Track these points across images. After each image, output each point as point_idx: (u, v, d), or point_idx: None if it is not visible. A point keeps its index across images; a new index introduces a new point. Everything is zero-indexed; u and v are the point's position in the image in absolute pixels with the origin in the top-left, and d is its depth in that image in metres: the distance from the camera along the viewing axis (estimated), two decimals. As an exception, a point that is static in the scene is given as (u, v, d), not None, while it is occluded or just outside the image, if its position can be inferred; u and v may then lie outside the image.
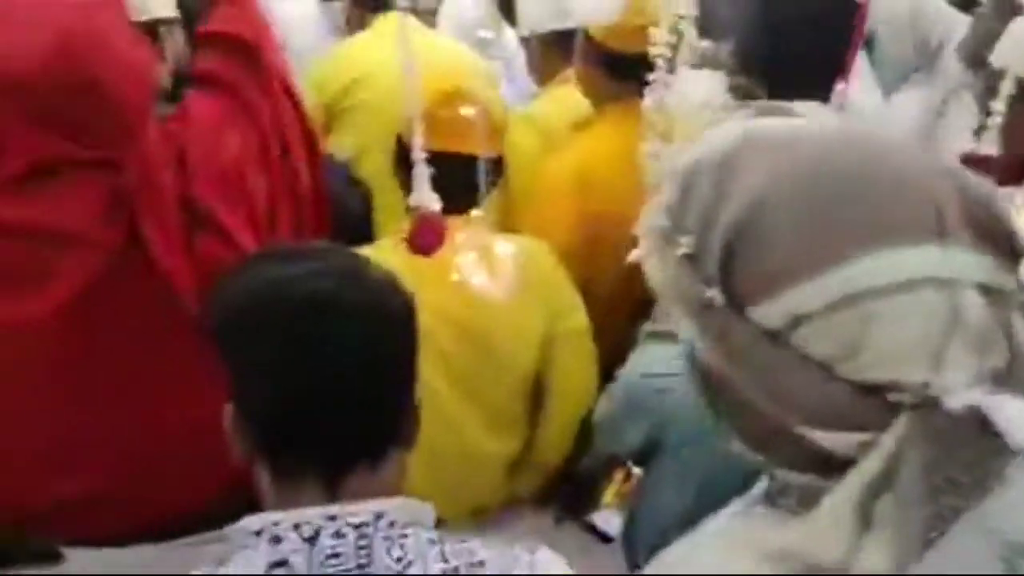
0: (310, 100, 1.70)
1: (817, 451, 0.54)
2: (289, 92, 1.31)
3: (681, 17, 1.55)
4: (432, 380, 1.32)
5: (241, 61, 1.25)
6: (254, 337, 0.78)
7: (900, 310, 0.51)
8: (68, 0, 1.10)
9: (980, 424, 0.50)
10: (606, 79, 1.70)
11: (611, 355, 1.44)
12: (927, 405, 0.51)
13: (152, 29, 1.48)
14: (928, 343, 0.51)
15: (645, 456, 1.29)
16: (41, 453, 1.17)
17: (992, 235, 0.53)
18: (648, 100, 1.54)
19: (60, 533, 1.24)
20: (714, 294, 0.55)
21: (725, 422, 0.60)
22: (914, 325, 0.51)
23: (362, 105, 2.00)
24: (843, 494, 0.51)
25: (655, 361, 1.24)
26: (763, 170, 0.54)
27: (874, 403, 0.52)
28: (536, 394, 1.48)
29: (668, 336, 1.32)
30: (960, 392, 0.50)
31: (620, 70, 1.67)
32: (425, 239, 1.36)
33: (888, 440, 0.51)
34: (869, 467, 0.51)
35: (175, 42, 1.99)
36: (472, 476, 1.42)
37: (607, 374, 1.43)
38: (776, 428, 0.55)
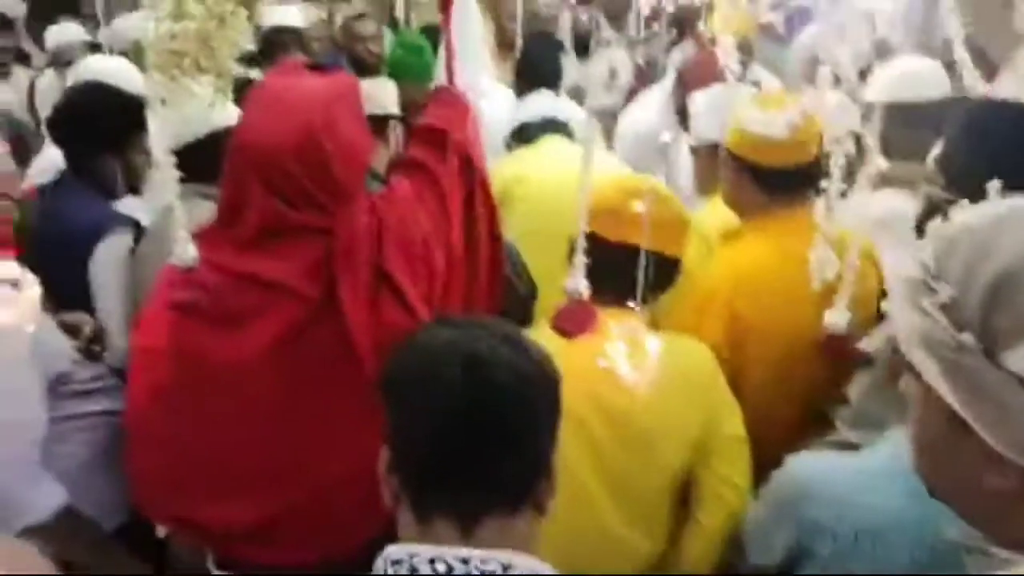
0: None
1: None
2: (484, 185, 1.47)
3: (857, 136, 1.56)
4: (577, 461, 1.34)
5: (445, 154, 1.43)
6: (416, 386, 0.86)
7: None
8: (315, 95, 1.30)
9: None
10: (755, 191, 1.73)
11: (760, 464, 1.41)
12: None
13: (381, 120, 2.02)
14: None
15: (791, 568, 1.22)
16: (223, 477, 1.30)
17: None
18: (819, 210, 1.56)
19: (228, 554, 1.37)
20: (968, 338, 0.60)
21: (948, 499, 0.64)
22: None
23: (522, 198, 2.17)
24: None
25: (817, 469, 1.20)
26: (1016, 242, 0.62)
27: None
28: (685, 497, 1.45)
29: (841, 445, 1.28)
30: None
31: (770, 182, 1.70)
32: (571, 323, 1.42)
33: None
34: None
35: (396, 134, 2.35)
36: (606, 564, 1.39)
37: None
38: (1015, 493, 0.58)
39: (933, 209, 1.60)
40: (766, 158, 1.70)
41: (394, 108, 2.34)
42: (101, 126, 2.00)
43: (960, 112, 1.60)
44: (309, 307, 1.28)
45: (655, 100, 2.83)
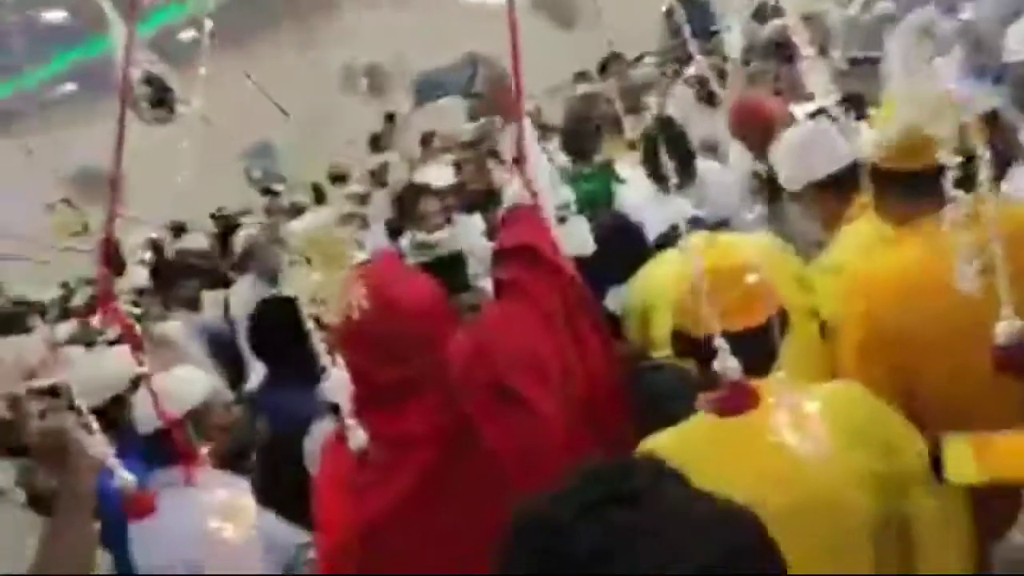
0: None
1: None
2: (574, 284, 1.53)
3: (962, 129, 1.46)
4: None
5: (527, 265, 1.54)
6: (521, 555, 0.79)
7: None
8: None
9: None
10: (901, 201, 1.65)
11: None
12: None
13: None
14: None
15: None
16: None
17: None
18: (952, 213, 1.45)
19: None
20: None
21: None
22: None
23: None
24: None
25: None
26: None
27: None
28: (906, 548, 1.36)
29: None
30: None
31: (913, 188, 1.61)
32: (735, 402, 1.39)
33: None
34: None
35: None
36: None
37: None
38: None
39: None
40: (906, 162, 1.62)
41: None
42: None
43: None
44: (445, 445, 1.37)
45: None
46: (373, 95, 6.47)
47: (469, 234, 3.68)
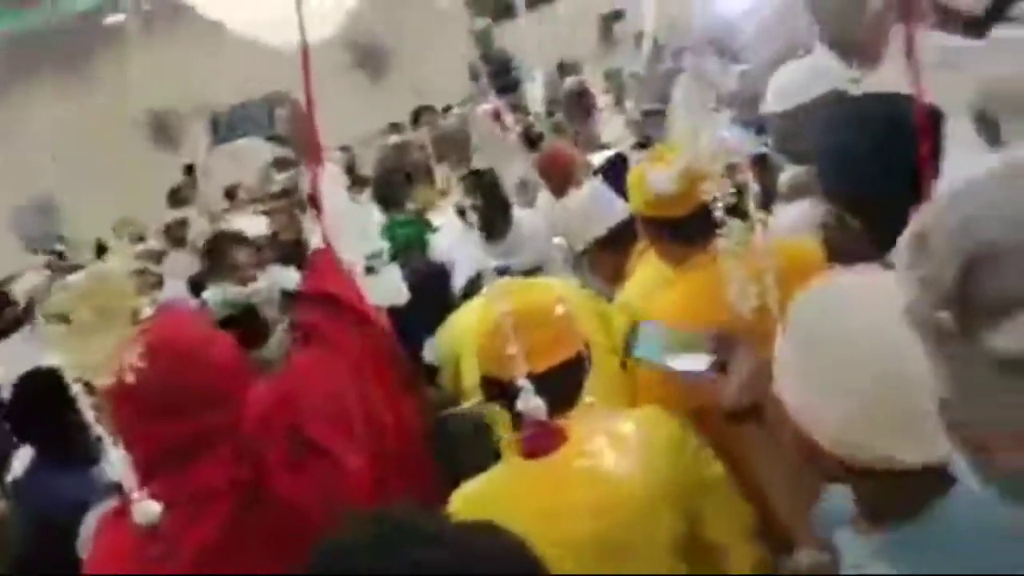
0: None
1: None
2: (382, 334, 1.51)
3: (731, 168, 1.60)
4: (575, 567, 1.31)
5: (330, 313, 1.51)
6: None
7: None
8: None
9: None
10: (674, 244, 1.76)
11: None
12: None
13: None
14: None
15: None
16: None
17: None
18: (722, 246, 1.57)
19: None
20: (946, 316, 0.56)
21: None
22: None
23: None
24: None
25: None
26: (1008, 202, 0.57)
27: None
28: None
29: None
30: None
31: (683, 231, 1.73)
32: (541, 442, 1.41)
33: None
34: None
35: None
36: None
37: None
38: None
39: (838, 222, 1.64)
40: (671, 210, 1.73)
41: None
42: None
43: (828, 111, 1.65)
44: (241, 496, 1.31)
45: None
46: (163, 142, 6.13)
47: (284, 285, 3.56)
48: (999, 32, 2.77)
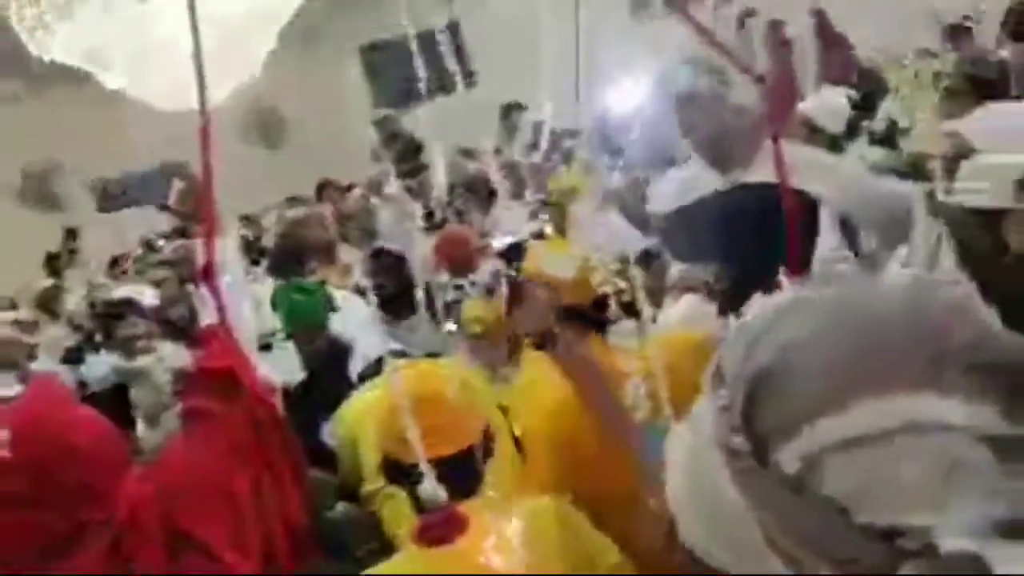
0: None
1: None
2: (275, 418, 1.50)
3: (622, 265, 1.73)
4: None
5: (219, 393, 1.47)
6: None
7: (899, 453, 0.54)
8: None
9: (978, 572, 0.50)
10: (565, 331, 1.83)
11: None
12: (930, 552, 0.52)
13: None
14: (929, 488, 0.53)
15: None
16: None
17: (998, 380, 0.55)
18: (613, 338, 1.68)
19: None
20: (740, 441, 0.59)
21: None
22: (913, 468, 0.53)
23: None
24: None
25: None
26: (788, 329, 0.61)
27: (883, 549, 0.53)
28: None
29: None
30: (959, 538, 0.51)
31: (574, 319, 1.80)
32: (442, 530, 1.41)
33: None
34: None
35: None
36: None
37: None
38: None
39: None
40: (568, 299, 1.81)
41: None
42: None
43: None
44: None
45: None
46: (41, 206, 5.77)
47: (175, 362, 3.43)
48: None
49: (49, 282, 5.24)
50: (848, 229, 2.19)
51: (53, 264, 6.00)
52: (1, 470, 1.22)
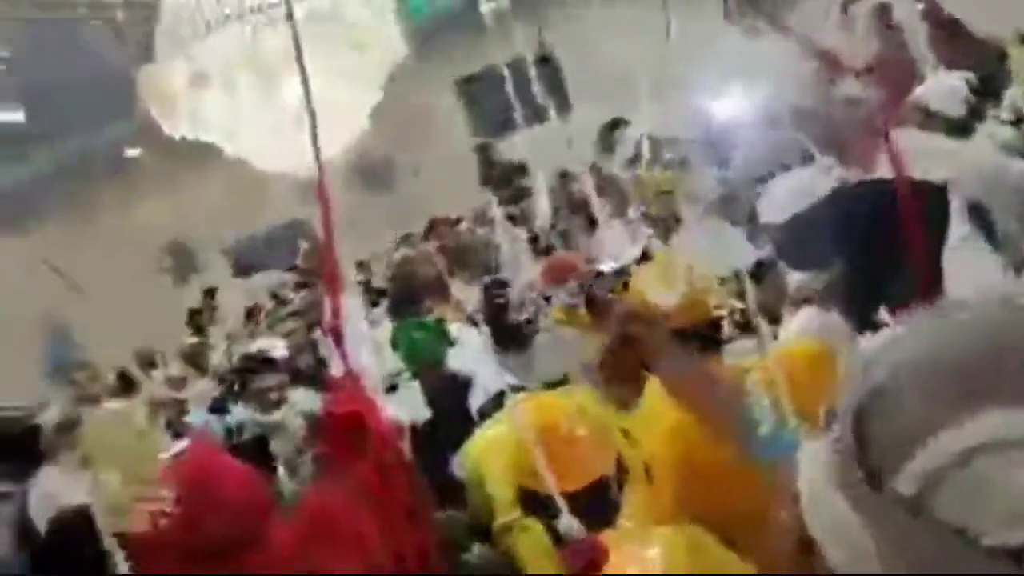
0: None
1: None
2: (401, 461, 1.54)
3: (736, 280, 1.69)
4: None
5: (350, 440, 1.52)
6: None
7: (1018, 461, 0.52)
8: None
9: None
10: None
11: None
12: None
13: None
14: None
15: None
16: None
17: None
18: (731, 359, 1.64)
19: None
20: (858, 474, 0.58)
21: None
22: None
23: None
24: None
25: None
26: (901, 350, 0.60)
27: (1010, 569, 0.51)
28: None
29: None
30: None
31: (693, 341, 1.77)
32: (583, 560, 1.43)
33: None
34: None
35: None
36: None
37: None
38: None
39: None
40: (677, 322, 1.80)
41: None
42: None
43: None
44: None
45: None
46: (179, 274, 6.21)
47: (307, 408, 3.59)
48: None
49: (195, 339, 5.63)
50: (980, 215, 2.06)
51: (196, 320, 6.44)
52: (170, 528, 1.33)
